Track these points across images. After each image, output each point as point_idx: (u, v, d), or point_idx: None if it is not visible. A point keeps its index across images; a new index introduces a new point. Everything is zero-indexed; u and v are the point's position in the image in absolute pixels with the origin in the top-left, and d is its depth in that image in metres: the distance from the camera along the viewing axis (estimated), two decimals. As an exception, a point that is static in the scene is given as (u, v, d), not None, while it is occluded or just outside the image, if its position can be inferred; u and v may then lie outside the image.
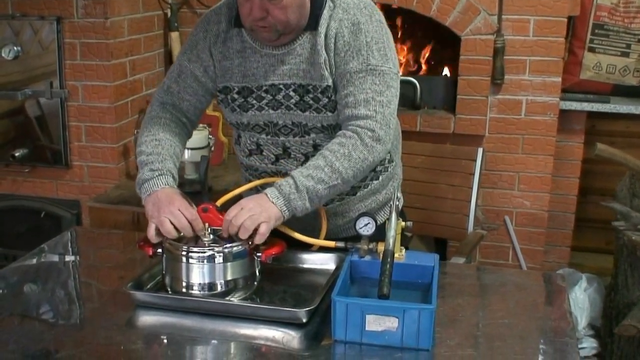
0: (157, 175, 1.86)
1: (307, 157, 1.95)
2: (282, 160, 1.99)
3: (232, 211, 1.75)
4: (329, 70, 1.88)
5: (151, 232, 1.77)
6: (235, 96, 1.98)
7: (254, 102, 1.96)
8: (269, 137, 1.98)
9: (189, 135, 2.11)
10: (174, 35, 3.51)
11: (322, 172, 1.79)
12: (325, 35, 1.87)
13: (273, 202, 1.76)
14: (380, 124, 1.84)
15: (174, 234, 1.76)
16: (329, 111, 1.91)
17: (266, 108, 1.95)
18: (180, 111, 2.05)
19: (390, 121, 1.87)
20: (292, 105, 1.92)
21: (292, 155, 1.98)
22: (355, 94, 1.85)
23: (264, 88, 1.93)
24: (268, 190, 1.78)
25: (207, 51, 1.98)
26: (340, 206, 2.02)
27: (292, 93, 1.91)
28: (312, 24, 1.88)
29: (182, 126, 2.06)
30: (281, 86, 1.92)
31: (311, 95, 1.90)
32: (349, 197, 2.01)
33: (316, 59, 1.88)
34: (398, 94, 1.92)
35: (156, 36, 3.54)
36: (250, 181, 2.07)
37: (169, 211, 1.77)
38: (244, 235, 1.72)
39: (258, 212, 1.73)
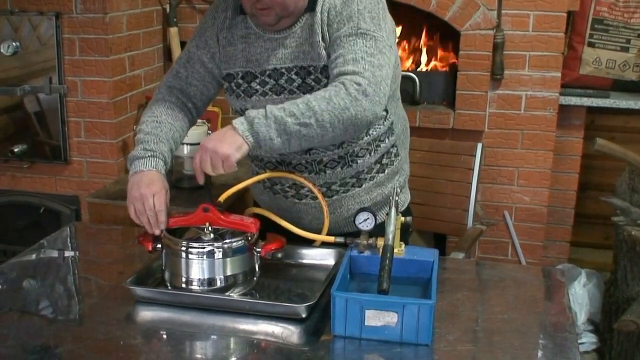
0: (148, 156, 1.89)
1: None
2: None
3: (197, 157, 1.74)
4: (324, 49, 1.87)
5: (131, 212, 1.83)
6: (240, 81, 1.98)
7: (258, 87, 1.96)
8: None
9: (192, 122, 2.12)
10: (173, 30, 3.51)
11: (296, 107, 1.72)
12: (321, 12, 1.87)
13: (235, 128, 1.71)
14: (368, 81, 1.73)
15: (143, 218, 1.80)
16: None
17: (270, 93, 1.95)
18: (187, 96, 2.07)
19: (382, 83, 1.76)
20: (294, 89, 1.92)
21: None
22: (344, 54, 1.79)
23: (267, 72, 1.94)
24: (235, 119, 1.74)
25: (215, 37, 2.00)
26: (345, 198, 2.02)
27: (294, 76, 1.91)
28: (311, 5, 1.88)
29: (187, 111, 2.07)
30: (283, 70, 1.92)
31: (312, 77, 1.90)
32: (354, 189, 2.01)
33: (314, 39, 1.87)
34: (392, 64, 1.85)
35: (155, 32, 3.54)
36: (257, 174, 2.06)
37: (141, 195, 1.80)
38: (214, 172, 1.74)
39: (217, 148, 1.70)
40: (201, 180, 1.77)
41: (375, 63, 1.77)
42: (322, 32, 1.87)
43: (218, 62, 2.02)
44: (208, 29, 2.02)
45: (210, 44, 2.01)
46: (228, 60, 1.99)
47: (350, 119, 1.73)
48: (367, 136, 1.95)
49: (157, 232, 1.80)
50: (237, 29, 1.98)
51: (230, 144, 1.71)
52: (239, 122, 1.72)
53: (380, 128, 1.97)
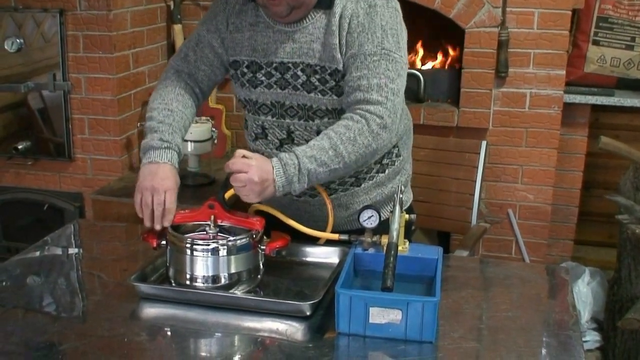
0: (165, 147, 1.89)
1: None
2: (286, 146, 1.98)
3: (234, 165, 1.75)
4: (340, 53, 1.87)
5: (137, 200, 1.82)
6: (245, 70, 1.98)
7: (263, 78, 1.96)
8: (274, 119, 1.98)
9: (198, 107, 2.11)
10: (177, 27, 3.51)
11: (326, 154, 1.78)
12: (341, 16, 1.86)
13: (274, 180, 1.75)
14: (389, 112, 1.83)
15: (147, 210, 1.80)
16: (335, 95, 1.90)
17: (274, 86, 1.95)
18: (195, 81, 2.06)
19: (398, 110, 1.86)
20: (298, 86, 1.92)
21: (295, 141, 1.97)
22: (369, 77, 1.83)
23: (274, 65, 1.93)
24: (275, 164, 1.76)
25: (225, 22, 2.00)
26: (344, 197, 2.01)
27: (299, 72, 1.91)
28: (327, 2, 1.87)
29: (195, 97, 2.07)
30: (290, 65, 1.92)
31: (318, 77, 1.89)
32: (353, 188, 2.01)
33: (329, 40, 1.87)
34: (405, 85, 1.92)
35: (159, 29, 3.54)
36: None
37: (153, 187, 1.80)
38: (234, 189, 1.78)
39: (255, 189, 1.74)
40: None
41: (395, 90, 1.85)
42: (339, 36, 1.86)
43: (227, 48, 2.01)
44: (219, 14, 2.01)
45: (221, 28, 2.00)
46: (235, 46, 1.99)
47: (372, 153, 1.86)
48: None
49: (157, 227, 1.80)
50: (247, 15, 1.97)
51: (264, 193, 1.76)
52: (278, 175, 1.76)
53: None
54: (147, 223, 1.81)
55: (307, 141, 1.94)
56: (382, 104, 1.82)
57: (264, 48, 1.94)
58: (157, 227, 1.80)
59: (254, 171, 1.73)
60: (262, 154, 2.03)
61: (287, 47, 1.91)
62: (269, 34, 1.93)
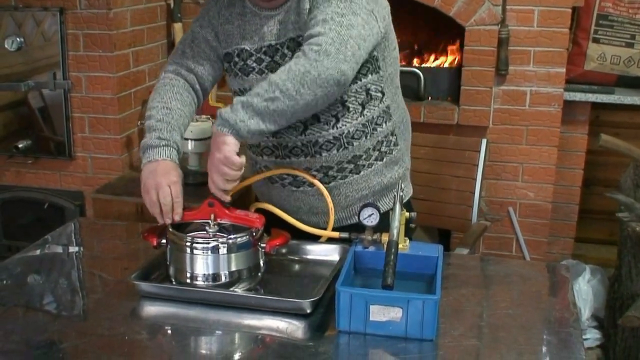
0: (163, 145, 1.88)
1: (306, 126, 1.93)
2: (282, 131, 1.95)
3: (209, 181, 1.78)
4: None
5: (146, 202, 1.82)
6: (237, 59, 1.99)
7: (254, 65, 1.96)
8: None
9: (198, 104, 2.11)
10: (177, 26, 3.51)
11: (259, 87, 1.74)
12: None
13: (212, 130, 1.78)
14: (332, 40, 1.72)
15: (155, 208, 1.79)
16: None
17: (266, 71, 1.95)
18: (194, 77, 2.06)
19: (348, 42, 1.73)
20: None
21: (291, 126, 1.94)
22: (317, 16, 1.79)
23: (263, 50, 1.94)
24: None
25: (217, 16, 2.02)
26: (344, 185, 2.01)
27: (286, 50, 1.91)
28: None
29: (194, 95, 2.07)
30: (278, 46, 1.93)
31: None
32: (352, 176, 2.00)
33: (301, 6, 1.87)
34: (370, 28, 1.82)
35: (159, 27, 3.54)
36: (256, 163, 2.08)
37: (157, 183, 1.80)
38: (229, 182, 1.77)
39: (213, 158, 1.75)
40: (227, 199, 1.80)
41: (344, 23, 1.76)
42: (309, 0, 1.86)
43: (220, 41, 2.03)
44: (211, 9, 2.04)
45: (214, 22, 2.02)
46: (226, 38, 2.01)
47: (314, 80, 1.71)
48: (361, 116, 1.94)
49: (167, 221, 1.80)
50: (235, 7, 1.99)
51: (217, 146, 1.75)
52: (215, 123, 1.76)
53: (374, 110, 1.96)
54: (160, 220, 1.81)
55: (302, 122, 1.94)
56: (324, 34, 1.73)
57: (252, 35, 1.95)
58: (167, 221, 1.80)
59: (208, 165, 1.78)
60: (258, 145, 2.03)
61: (273, 30, 1.92)
62: (256, 21, 1.95)
